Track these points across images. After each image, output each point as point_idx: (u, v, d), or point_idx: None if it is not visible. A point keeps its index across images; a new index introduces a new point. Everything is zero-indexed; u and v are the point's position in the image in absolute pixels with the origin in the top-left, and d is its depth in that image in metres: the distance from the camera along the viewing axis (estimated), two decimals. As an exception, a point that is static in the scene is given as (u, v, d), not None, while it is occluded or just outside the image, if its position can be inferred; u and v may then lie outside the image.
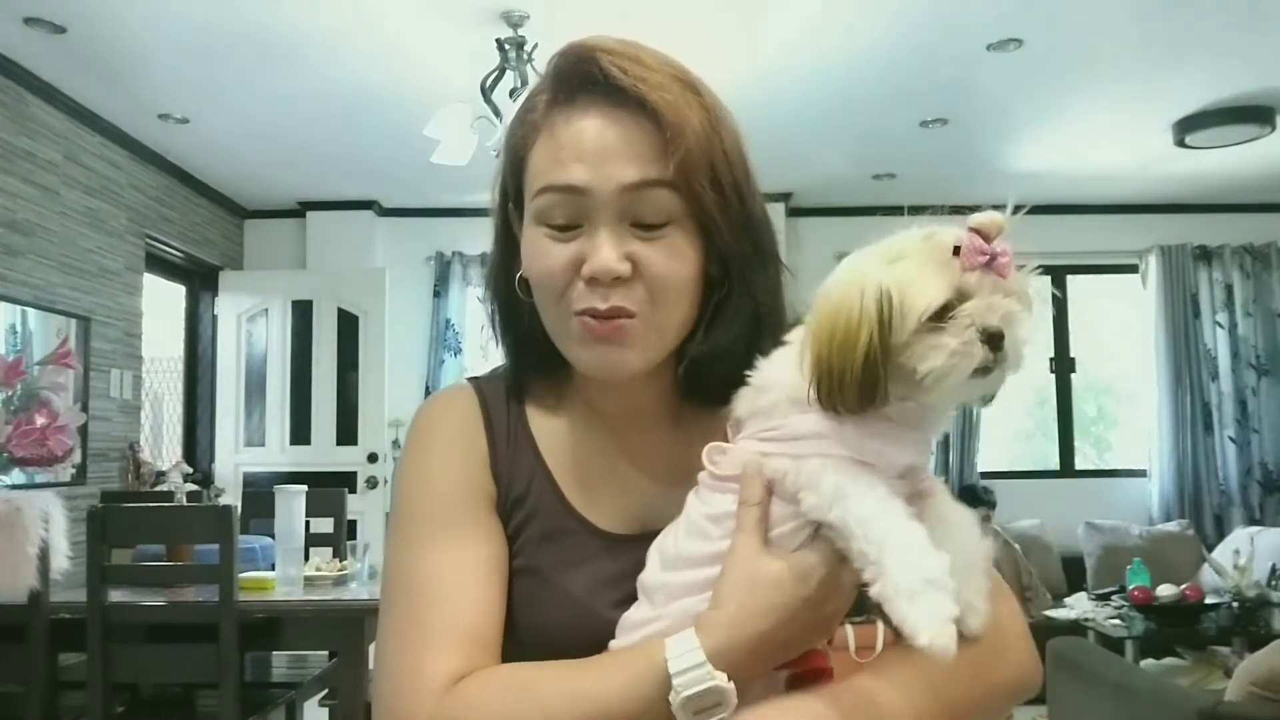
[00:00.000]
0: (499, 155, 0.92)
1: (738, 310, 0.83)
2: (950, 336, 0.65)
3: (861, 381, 0.66)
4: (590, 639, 0.78)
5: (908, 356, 0.66)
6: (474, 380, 0.94)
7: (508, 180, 0.87)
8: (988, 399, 0.73)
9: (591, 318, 0.79)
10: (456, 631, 0.77)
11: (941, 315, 0.66)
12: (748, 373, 0.78)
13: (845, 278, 0.69)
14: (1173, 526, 5.60)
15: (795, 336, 0.75)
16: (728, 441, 0.78)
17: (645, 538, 0.82)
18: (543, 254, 0.81)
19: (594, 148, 0.79)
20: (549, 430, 0.90)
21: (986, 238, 0.66)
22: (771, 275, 0.85)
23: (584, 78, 0.80)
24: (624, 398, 0.88)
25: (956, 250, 0.66)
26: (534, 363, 0.90)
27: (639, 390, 0.87)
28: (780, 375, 0.74)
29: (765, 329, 0.83)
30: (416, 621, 0.78)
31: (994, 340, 0.66)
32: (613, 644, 0.78)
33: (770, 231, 0.86)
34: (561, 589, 0.82)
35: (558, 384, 0.91)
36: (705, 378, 0.84)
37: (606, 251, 0.78)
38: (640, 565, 0.81)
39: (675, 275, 0.80)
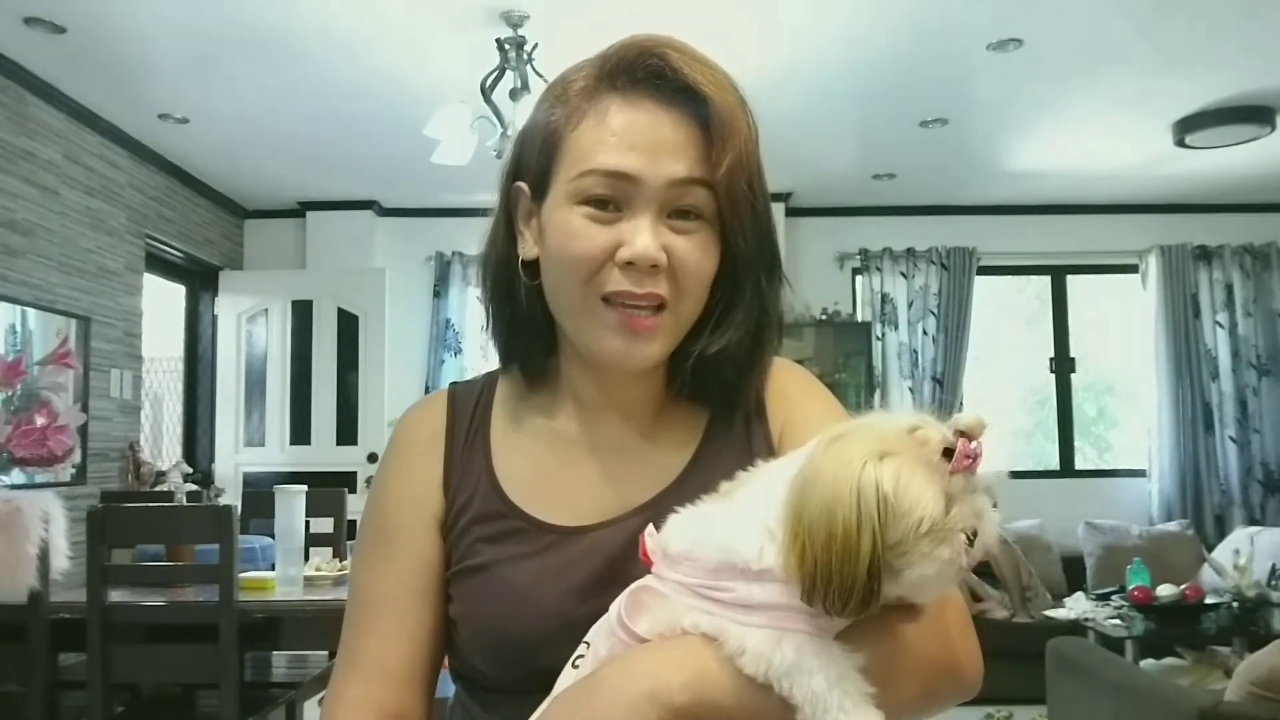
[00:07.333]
0: (498, 155, 0.93)
1: (747, 314, 0.86)
2: (945, 546, 0.64)
3: (864, 589, 0.63)
4: (536, 627, 0.82)
5: (899, 559, 0.64)
6: (453, 386, 0.97)
7: (530, 157, 0.86)
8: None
9: (625, 305, 0.81)
10: (368, 662, 0.86)
11: None
12: (687, 515, 0.74)
13: (833, 471, 0.64)
14: (1173, 526, 5.60)
15: (750, 502, 0.71)
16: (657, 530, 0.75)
17: (611, 523, 0.86)
18: (578, 235, 0.81)
19: (649, 139, 0.80)
20: (510, 431, 0.92)
21: (971, 438, 0.65)
22: (778, 284, 0.89)
23: (648, 70, 0.82)
24: (618, 389, 0.90)
25: (944, 451, 0.65)
26: (524, 349, 0.91)
27: (636, 383, 0.89)
28: (736, 543, 0.68)
29: (765, 336, 0.88)
30: (345, 643, 0.89)
31: (971, 540, 0.66)
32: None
33: (778, 242, 0.90)
34: (507, 582, 0.85)
35: (541, 374, 0.93)
36: (707, 377, 0.87)
37: (648, 239, 0.80)
38: (597, 551, 0.84)
39: (702, 270, 0.83)
